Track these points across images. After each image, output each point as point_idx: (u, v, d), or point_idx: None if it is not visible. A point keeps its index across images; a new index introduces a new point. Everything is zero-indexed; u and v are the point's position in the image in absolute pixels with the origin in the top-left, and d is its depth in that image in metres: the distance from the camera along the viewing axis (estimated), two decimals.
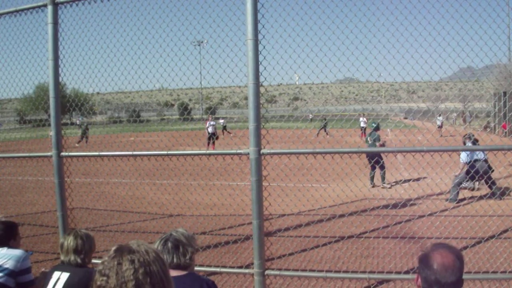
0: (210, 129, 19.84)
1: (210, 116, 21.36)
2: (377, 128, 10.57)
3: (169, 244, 2.31)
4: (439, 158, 5.35)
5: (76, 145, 22.45)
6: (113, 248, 1.31)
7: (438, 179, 9.78)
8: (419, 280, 1.78)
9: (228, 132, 22.41)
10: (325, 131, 27.38)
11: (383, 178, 10.09)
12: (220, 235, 6.44)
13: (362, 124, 26.45)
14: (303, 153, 3.89)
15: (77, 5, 4.43)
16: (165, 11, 4.47)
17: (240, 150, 3.86)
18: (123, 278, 1.22)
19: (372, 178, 10.17)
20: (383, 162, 9.93)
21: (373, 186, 10.02)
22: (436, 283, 1.70)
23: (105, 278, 1.24)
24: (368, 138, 10.42)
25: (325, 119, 28.54)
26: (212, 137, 19.62)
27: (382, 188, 9.93)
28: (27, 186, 11.12)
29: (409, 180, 9.98)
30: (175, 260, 2.28)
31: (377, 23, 3.84)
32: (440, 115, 28.59)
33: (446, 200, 8.22)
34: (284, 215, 7.03)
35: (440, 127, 26.85)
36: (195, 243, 2.41)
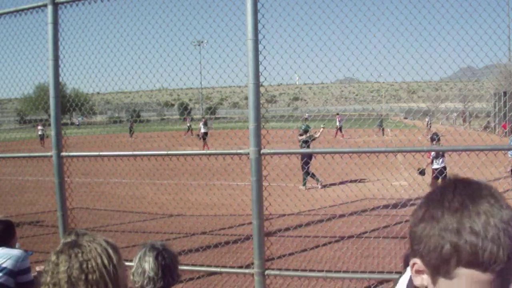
0: (202, 129, 21.69)
1: (204, 118, 23.22)
2: (306, 131, 10.78)
3: (162, 262, 2.06)
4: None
5: (131, 138, 28.32)
6: (62, 242, 1.25)
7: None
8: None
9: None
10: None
11: (305, 179, 10.20)
12: (220, 235, 6.44)
13: (338, 124, 27.45)
14: (303, 153, 3.88)
15: (77, 5, 4.43)
16: (165, 11, 4.48)
17: (240, 150, 3.86)
18: (57, 275, 1.16)
19: (313, 176, 10.19)
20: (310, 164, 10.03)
21: (322, 186, 10.05)
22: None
23: (44, 274, 1.20)
24: (309, 140, 10.37)
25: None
26: (204, 137, 21.32)
27: (301, 189, 9.97)
28: (27, 186, 11.12)
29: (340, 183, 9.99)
30: (170, 279, 2.06)
31: (377, 23, 3.84)
32: (428, 115, 28.94)
33: None
34: (284, 215, 7.03)
35: (429, 127, 27.26)
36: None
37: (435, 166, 9.66)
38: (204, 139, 21.12)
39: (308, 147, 10.18)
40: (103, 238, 1.26)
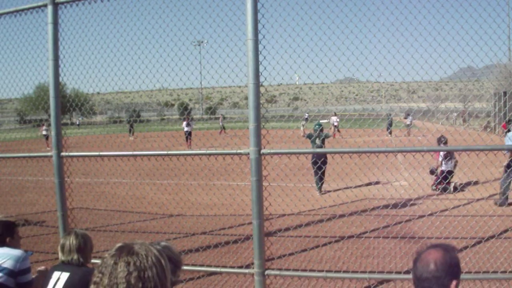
0: (185, 129, 23.13)
1: (186, 118, 24.92)
2: (321, 130, 10.25)
3: None
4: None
5: (131, 138, 27.94)
6: (116, 246, 1.32)
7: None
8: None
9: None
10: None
11: (321, 185, 9.61)
12: (220, 235, 6.44)
13: (334, 123, 27.50)
14: (303, 153, 3.89)
15: (77, 5, 4.43)
16: (165, 11, 4.48)
17: (240, 150, 3.86)
18: (115, 279, 1.22)
19: (318, 185, 9.60)
20: (325, 168, 9.36)
21: (322, 193, 9.45)
22: (415, 278, 1.72)
23: (100, 275, 1.25)
24: (316, 140, 9.91)
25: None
26: (189, 136, 22.73)
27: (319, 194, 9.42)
28: (27, 186, 11.12)
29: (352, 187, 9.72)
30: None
31: (377, 23, 3.84)
32: (409, 114, 29.22)
33: (495, 203, 7.82)
34: (284, 215, 7.03)
35: (409, 125, 27.39)
36: (182, 259, 2.27)
37: (443, 167, 9.61)
38: (187, 138, 22.42)
39: (321, 147, 9.75)
40: (154, 247, 1.33)
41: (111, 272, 1.23)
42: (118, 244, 1.32)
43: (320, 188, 9.62)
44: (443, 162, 9.63)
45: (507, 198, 7.84)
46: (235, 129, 31.89)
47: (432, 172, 9.92)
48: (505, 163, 7.79)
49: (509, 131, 8.30)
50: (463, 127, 27.42)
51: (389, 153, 9.56)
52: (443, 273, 1.69)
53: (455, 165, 9.67)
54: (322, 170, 9.22)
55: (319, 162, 9.25)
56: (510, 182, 7.65)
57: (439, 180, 9.40)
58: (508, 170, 7.52)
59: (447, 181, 9.28)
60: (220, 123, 32.92)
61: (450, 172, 9.48)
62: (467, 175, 9.80)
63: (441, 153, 9.60)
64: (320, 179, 9.48)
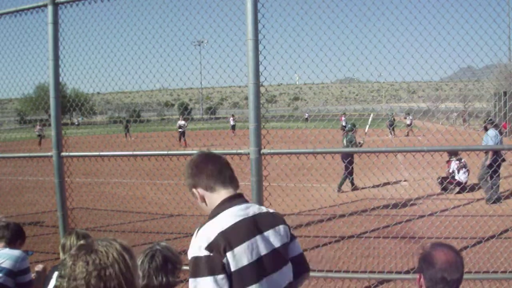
0: (181, 129, 23.97)
1: (181, 116, 26.38)
2: (352, 130, 10.28)
3: (157, 261, 2.17)
4: (439, 158, 5.34)
5: (131, 139, 28.07)
6: (77, 244, 1.23)
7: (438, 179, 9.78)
8: (422, 280, 1.77)
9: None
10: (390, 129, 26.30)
11: (341, 184, 9.65)
12: None
13: (343, 124, 27.69)
14: (303, 153, 3.89)
15: (77, 5, 4.43)
16: (165, 11, 4.48)
17: (240, 150, 3.86)
18: (74, 282, 1.13)
19: (352, 182, 9.73)
20: (351, 168, 9.38)
21: (354, 189, 9.66)
22: (442, 280, 1.70)
23: (60, 279, 1.17)
24: (344, 140, 10.05)
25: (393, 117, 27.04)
26: (183, 134, 23.48)
27: (337, 192, 9.42)
28: (27, 186, 11.12)
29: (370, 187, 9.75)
30: (164, 279, 2.16)
31: (377, 23, 3.85)
32: (409, 114, 29.37)
33: (487, 203, 7.85)
34: (284, 215, 7.00)
35: (409, 125, 27.46)
36: (182, 260, 2.26)
37: (457, 177, 9.46)
38: (182, 137, 23.18)
39: (347, 147, 9.67)
40: (118, 242, 1.24)
41: (70, 274, 1.14)
42: (79, 243, 1.24)
43: (353, 183, 9.80)
44: (456, 173, 9.50)
45: (496, 195, 7.86)
46: (243, 129, 31.62)
47: (442, 185, 9.74)
48: (487, 163, 7.83)
49: (486, 129, 8.33)
50: (463, 127, 27.41)
51: (389, 153, 9.56)
52: (464, 269, 1.76)
53: (468, 175, 9.54)
54: (349, 169, 9.30)
55: (345, 162, 9.33)
56: (496, 181, 7.71)
57: (448, 180, 9.21)
58: (491, 170, 7.53)
59: (453, 185, 9.11)
60: (232, 123, 31.84)
61: (463, 186, 9.03)
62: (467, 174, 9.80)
63: (453, 164, 9.52)
64: (346, 177, 9.64)
